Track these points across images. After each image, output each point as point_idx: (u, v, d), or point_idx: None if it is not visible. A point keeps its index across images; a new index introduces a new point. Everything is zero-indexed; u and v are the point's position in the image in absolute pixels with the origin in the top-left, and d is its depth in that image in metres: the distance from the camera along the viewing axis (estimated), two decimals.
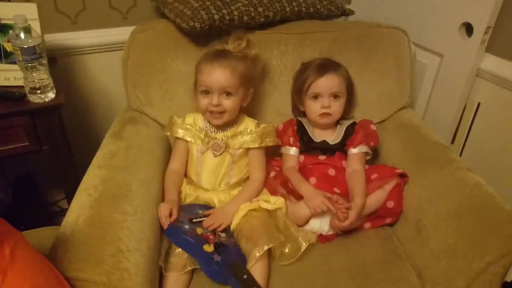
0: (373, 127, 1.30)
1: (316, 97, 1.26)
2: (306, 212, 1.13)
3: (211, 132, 1.20)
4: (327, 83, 1.24)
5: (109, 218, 0.90)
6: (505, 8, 1.31)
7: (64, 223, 0.88)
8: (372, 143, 1.26)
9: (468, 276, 0.90)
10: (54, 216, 1.68)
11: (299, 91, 1.30)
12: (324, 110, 1.25)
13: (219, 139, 1.18)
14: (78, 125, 1.61)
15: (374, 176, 1.20)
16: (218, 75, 1.10)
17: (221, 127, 1.19)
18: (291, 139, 1.27)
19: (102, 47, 1.53)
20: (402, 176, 1.19)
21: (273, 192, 1.19)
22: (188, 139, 1.19)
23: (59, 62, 1.43)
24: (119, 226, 0.89)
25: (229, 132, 1.19)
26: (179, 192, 1.17)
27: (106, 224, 0.88)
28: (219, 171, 1.18)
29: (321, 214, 1.14)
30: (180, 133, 1.19)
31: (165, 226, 1.01)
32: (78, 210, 0.91)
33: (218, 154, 1.17)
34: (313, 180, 1.21)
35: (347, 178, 1.22)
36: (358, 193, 1.14)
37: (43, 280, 0.64)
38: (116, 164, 1.07)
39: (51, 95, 1.16)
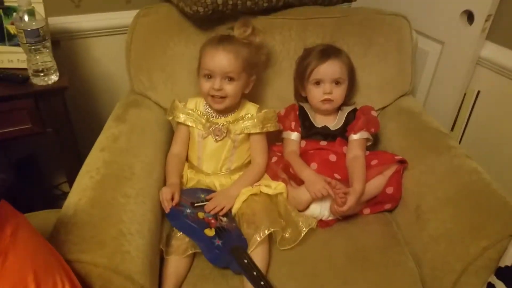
0: (374, 113, 1.31)
1: (318, 83, 1.26)
2: (306, 197, 1.15)
3: (213, 117, 1.20)
4: (329, 69, 1.24)
5: (112, 200, 0.91)
6: None
7: (66, 204, 0.90)
8: (372, 129, 1.27)
9: (465, 260, 0.91)
10: (56, 199, 1.70)
11: (301, 76, 1.30)
12: (326, 96, 1.26)
13: (220, 124, 1.18)
14: (81, 108, 1.62)
15: (374, 162, 1.21)
16: (221, 59, 1.11)
17: (223, 112, 1.20)
18: (293, 124, 1.28)
19: (105, 31, 1.54)
20: (402, 162, 1.20)
21: (274, 177, 1.20)
22: (190, 123, 1.19)
23: (62, 45, 1.44)
24: (121, 208, 0.90)
25: (230, 117, 1.20)
26: (181, 176, 1.18)
27: (108, 206, 0.90)
28: (220, 156, 1.19)
29: (321, 199, 1.15)
30: (182, 117, 1.20)
31: (167, 210, 1.03)
32: (80, 192, 0.92)
33: (219, 139, 1.18)
34: (314, 165, 1.21)
35: (347, 164, 1.23)
36: (357, 179, 1.15)
37: (44, 262, 0.66)
38: (119, 147, 1.08)
39: (54, 77, 1.17)
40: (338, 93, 1.26)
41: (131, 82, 1.34)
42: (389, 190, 1.18)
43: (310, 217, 1.15)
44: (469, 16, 1.40)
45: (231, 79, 1.13)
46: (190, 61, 1.26)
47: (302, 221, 1.10)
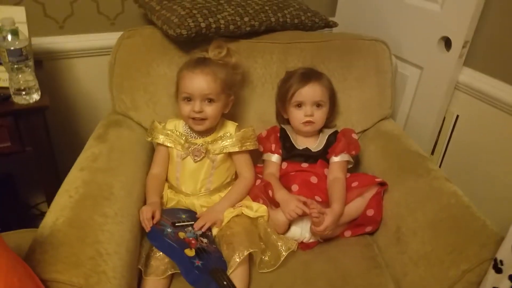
0: (354, 135, 1.32)
1: (299, 105, 1.28)
2: (284, 219, 1.14)
3: (192, 137, 1.20)
4: (310, 92, 1.26)
5: (90, 220, 0.90)
6: (482, 23, 1.35)
7: (43, 224, 0.88)
8: (353, 152, 1.29)
9: (445, 283, 0.92)
10: (34, 219, 1.67)
11: (283, 99, 1.32)
12: (307, 118, 1.27)
13: (199, 145, 1.18)
14: (62, 128, 1.60)
15: (354, 184, 1.22)
16: (200, 82, 1.12)
17: (202, 133, 1.20)
18: (273, 146, 1.29)
19: (89, 52, 1.54)
20: (382, 184, 1.21)
21: (255, 199, 1.20)
22: (169, 144, 1.19)
23: (45, 65, 1.44)
24: (99, 228, 0.89)
25: (209, 138, 1.20)
26: (161, 196, 1.17)
27: (86, 226, 0.88)
28: (199, 176, 1.19)
29: (300, 220, 1.16)
30: (161, 138, 1.20)
31: (148, 229, 1.02)
32: (58, 211, 0.91)
33: (198, 159, 1.17)
34: (295, 187, 1.22)
35: (328, 185, 1.24)
36: (336, 200, 1.16)
37: (18, 281, 0.64)
38: (99, 167, 1.07)
39: (35, 96, 1.16)
40: (319, 115, 1.28)
41: (113, 102, 1.34)
42: (370, 213, 1.19)
43: (291, 239, 1.15)
44: (447, 43, 1.44)
45: (210, 100, 1.14)
46: (172, 82, 1.26)
47: (282, 244, 1.10)
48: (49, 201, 1.30)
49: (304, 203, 1.12)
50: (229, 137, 1.20)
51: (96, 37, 1.54)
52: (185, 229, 1.07)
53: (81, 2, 1.47)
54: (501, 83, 1.34)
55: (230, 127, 1.23)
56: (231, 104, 1.23)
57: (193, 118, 1.15)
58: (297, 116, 1.29)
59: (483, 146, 1.43)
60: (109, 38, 1.42)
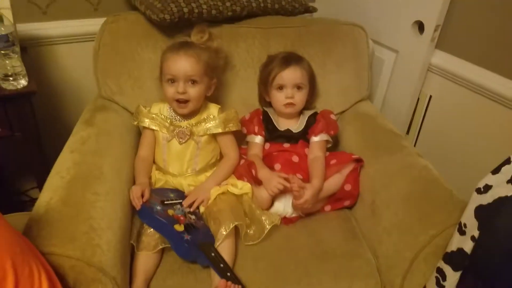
0: (333, 116, 1.39)
1: (280, 88, 1.34)
2: (267, 195, 1.21)
3: (176, 120, 1.24)
4: (290, 74, 1.32)
5: (82, 198, 0.94)
6: (452, 7, 1.42)
7: (38, 203, 0.92)
8: (332, 132, 1.35)
9: (415, 248, 0.99)
10: (24, 205, 1.69)
11: (265, 82, 1.37)
12: (288, 100, 1.33)
13: (183, 127, 1.23)
14: (48, 114, 1.62)
15: (333, 161, 1.28)
16: (184, 63, 1.15)
17: (186, 116, 1.24)
18: (256, 128, 1.35)
19: (73, 38, 1.55)
20: (358, 161, 1.28)
21: (240, 178, 1.26)
22: (154, 127, 1.23)
23: (29, 51, 1.45)
24: (91, 205, 0.94)
25: (193, 120, 1.24)
26: (149, 177, 1.22)
27: (79, 203, 0.93)
28: (185, 158, 1.24)
29: (283, 196, 1.23)
30: (146, 122, 1.24)
31: (138, 207, 1.06)
32: (51, 191, 0.95)
33: (183, 141, 1.22)
34: (278, 166, 1.29)
35: (308, 163, 1.30)
36: (316, 176, 1.22)
37: (21, 251, 0.68)
38: (88, 149, 1.11)
39: (23, 82, 1.19)
40: (300, 97, 1.34)
41: (99, 87, 1.37)
42: (347, 187, 1.26)
43: (274, 214, 1.21)
44: (420, 27, 1.50)
45: (194, 82, 1.18)
46: (156, 66, 1.29)
47: (266, 218, 1.16)
48: (39, 184, 1.34)
49: (286, 179, 1.18)
50: (212, 119, 1.24)
51: (80, 22, 1.55)
52: (174, 207, 1.12)
53: None
54: (471, 65, 1.41)
55: (213, 109, 1.27)
56: (214, 87, 1.27)
57: (177, 101, 1.18)
58: (279, 98, 1.34)
59: (454, 124, 1.51)
60: (93, 24, 1.44)
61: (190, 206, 1.15)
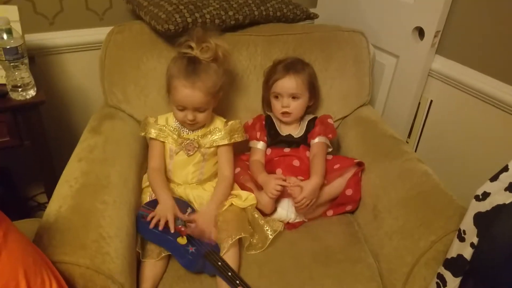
0: (330, 120, 1.41)
1: (277, 96, 1.36)
2: (269, 199, 1.23)
3: (184, 132, 1.26)
4: (286, 84, 1.34)
5: (91, 207, 0.97)
6: (452, 13, 1.44)
7: (47, 212, 0.95)
8: (330, 135, 1.37)
9: (416, 253, 1.01)
10: (32, 210, 1.73)
11: (266, 87, 1.40)
12: (284, 109, 1.35)
13: (191, 139, 1.24)
14: (56, 122, 1.65)
15: (336, 166, 1.31)
16: (192, 98, 1.16)
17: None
18: (258, 134, 1.37)
19: (79, 47, 1.58)
20: (360, 165, 1.30)
21: (242, 186, 1.29)
22: (162, 139, 1.25)
23: (37, 61, 1.48)
24: (100, 214, 0.96)
25: (200, 132, 1.26)
26: (168, 188, 1.21)
27: (88, 212, 0.95)
28: (191, 169, 1.25)
29: (285, 202, 1.26)
30: (154, 133, 1.25)
31: (161, 227, 1.07)
32: (60, 200, 0.98)
33: (191, 153, 1.24)
34: (279, 171, 1.32)
35: (310, 164, 1.32)
36: (314, 172, 1.25)
37: (33, 261, 0.71)
38: (95, 157, 1.14)
39: (32, 92, 1.21)
40: (295, 106, 1.36)
41: (105, 96, 1.40)
42: (349, 192, 1.28)
43: (277, 222, 1.24)
44: (420, 32, 1.52)
45: (202, 109, 1.19)
46: (162, 75, 1.31)
47: (269, 226, 1.18)
48: (47, 191, 1.37)
49: (283, 180, 1.21)
50: (218, 131, 1.26)
51: (86, 32, 1.58)
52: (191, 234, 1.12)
53: None
54: (471, 70, 1.43)
55: (219, 122, 1.29)
56: (219, 98, 1.28)
57: (187, 123, 1.21)
58: (276, 106, 1.37)
59: (454, 129, 1.53)
60: (99, 33, 1.47)
61: (189, 215, 1.16)
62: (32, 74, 1.24)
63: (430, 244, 1.00)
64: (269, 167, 1.33)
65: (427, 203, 1.09)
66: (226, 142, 1.25)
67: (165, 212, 1.10)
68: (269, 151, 1.38)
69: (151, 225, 1.07)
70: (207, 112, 1.22)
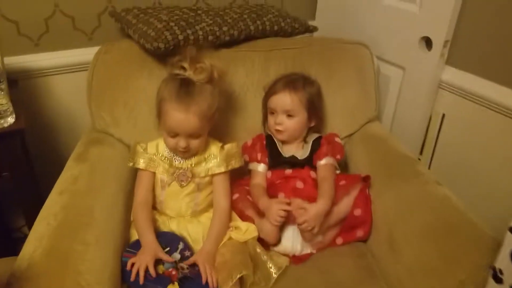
0: (337, 140, 1.31)
1: (272, 112, 1.29)
2: (272, 227, 1.12)
3: (176, 160, 1.15)
4: (280, 100, 1.26)
5: (69, 249, 0.87)
6: (461, 22, 1.35)
7: (21, 256, 0.85)
8: (338, 156, 1.27)
9: None
10: (18, 242, 1.62)
11: (264, 103, 1.33)
12: (276, 127, 1.27)
13: (184, 169, 1.13)
14: (42, 148, 1.57)
15: (342, 182, 1.22)
16: (185, 123, 1.05)
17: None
18: (259, 155, 1.27)
19: (66, 68, 1.50)
20: (365, 180, 1.21)
21: (241, 214, 1.18)
22: (152, 169, 1.14)
23: (21, 84, 1.40)
24: (79, 258, 0.86)
25: (193, 160, 1.15)
26: (153, 228, 1.08)
27: (65, 256, 0.85)
28: (184, 200, 1.14)
29: (291, 232, 1.16)
30: (143, 163, 1.13)
31: (133, 278, 0.95)
32: (36, 241, 0.88)
33: (184, 184, 1.13)
34: (281, 195, 1.21)
35: (317, 186, 1.22)
36: (321, 195, 1.15)
37: None
38: (79, 189, 1.04)
39: (10, 120, 1.13)
40: (289, 125, 1.27)
41: (92, 120, 1.31)
42: (357, 212, 1.17)
43: (282, 257, 1.14)
44: (428, 42, 1.43)
45: (196, 135, 1.09)
46: (152, 95, 1.21)
47: (273, 263, 1.07)
48: (30, 226, 1.26)
49: (287, 204, 1.11)
50: (213, 158, 1.15)
51: (74, 53, 1.51)
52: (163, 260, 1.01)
53: (56, 18, 1.44)
54: (484, 81, 1.33)
55: (214, 148, 1.18)
56: (214, 122, 1.17)
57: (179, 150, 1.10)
58: (270, 122, 1.30)
59: (471, 144, 1.43)
60: (88, 53, 1.37)
61: (181, 252, 1.04)
62: (14, 98, 1.16)
63: (458, 284, 0.88)
64: (271, 191, 1.22)
65: (451, 233, 0.97)
66: (222, 170, 1.14)
67: (145, 257, 0.97)
68: (269, 173, 1.28)
69: (132, 277, 0.94)
70: (202, 139, 1.11)
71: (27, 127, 1.36)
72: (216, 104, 1.12)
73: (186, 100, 1.05)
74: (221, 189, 1.16)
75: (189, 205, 1.15)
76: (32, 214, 1.11)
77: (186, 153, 1.12)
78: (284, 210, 1.10)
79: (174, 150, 1.12)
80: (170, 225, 1.13)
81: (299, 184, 1.23)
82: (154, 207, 1.17)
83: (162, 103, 1.09)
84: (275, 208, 1.10)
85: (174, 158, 1.15)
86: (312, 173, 1.26)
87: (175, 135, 1.08)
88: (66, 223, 0.93)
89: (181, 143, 1.07)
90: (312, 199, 1.17)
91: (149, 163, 1.13)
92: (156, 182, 1.15)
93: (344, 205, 1.18)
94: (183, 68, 1.09)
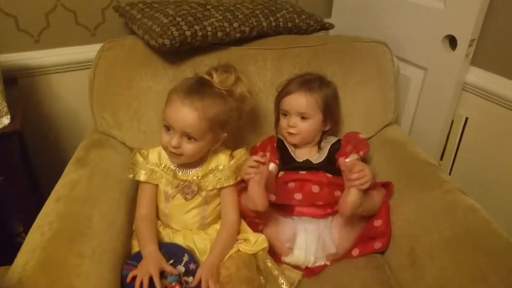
0: (361, 136, 1.23)
1: (285, 114, 1.22)
2: (253, 187, 1.01)
3: (180, 172, 1.08)
4: (294, 102, 1.19)
5: (63, 262, 0.80)
6: (488, 19, 1.26)
7: (12, 269, 0.78)
8: (361, 152, 1.18)
9: None
10: (19, 247, 1.56)
11: (276, 103, 1.26)
12: (289, 129, 1.20)
13: (190, 181, 1.05)
14: (43, 149, 1.50)
15: None
16: (183, 116, 0.97)
17: (189, 166, 1.07)
18: (269, 154, 1.20)
19: (69, 66, 1.43)
20: (385, 186, 1.14)
21: (251, 224, 1.09)
22: (154, 182, 1.05)
23: (20, 83, 1.34)
24: (74, 271, 0.79)
25: (200, 171, 1.07)
26: (157, 240, 1.01)
27: (58, 270, 0.78)
28: (191, 213, 1.06)
29: (304, 243, 1.08)
30: (144, 176, 1.05)
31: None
32: (29, 252, 0.81)
33: (190, 197, 1.05)
34: (298, 195, 1.12)
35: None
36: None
37: None
38: (77, 196, 0.97)
39: (5, 121, 1.07)
40: (303, 127, 1.20)
41: (95, 121, 1.24)
42: (377, 223, 1.10)
43: (294, 270, 1.06)
44: (452, 41, 1.35)
45: (190, 138, 0.99)
46: (157, 95, 1.17)
47: (284, 279, 0.99)
48: (27, 231, 1.20)
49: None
50: (221, 170, 1.06)
51: (76, 50, 1.44)
52: (165, 274, 0.93)
53: (57, 13, 1.37)
54: None
55: (222, 157, 1.10)
56: (221, 141, 1.08)
57: (170, 151, 1.02)
58: (282, 124, 1.23)
59: (496, 149, 1.34)
60: (91, 51, 1.31)
61: (185, 265, 0.96)
62: (13, 97, 1.10)
63: None
64: (284, 193, 1.13)
65: (479, 248, 0.89)
66: (232, 182, 1.06)
67: (147, 268, 0.89)
68: (281, 173, 1.20)
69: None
70: (198, 146, 1.00)
71: (27, 127, 1.30)
72: (227, 117, 1.04)
73: (194, 95, 0.98)
74: (230, 202, 1.08)
75: (196, 219, 1.07)
76: (30, 221, 1.05)
77: (177, 158, 1.02)
78: (257, 162, 1.01)
79: (165, 149, 1.03)
80: (175, 239, 1.05)
81: (315, 189, 1.14)
82: (158, 218, 1.10)
83: (171, 92, 1.02)
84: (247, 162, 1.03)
85: (178, 169, 1.07)
86: (329, 177, 1.17)
87: (169, 129, 1.00)
88: (62, 232, 0.86)
89: (173, 140, 0.98)
90: (329, 206, 1.10)
91: (151, 175, 1.05)
92: (160, 194, 1.07)
93: (375, 199, 1.10)
94: (211, 75, 1.05)
